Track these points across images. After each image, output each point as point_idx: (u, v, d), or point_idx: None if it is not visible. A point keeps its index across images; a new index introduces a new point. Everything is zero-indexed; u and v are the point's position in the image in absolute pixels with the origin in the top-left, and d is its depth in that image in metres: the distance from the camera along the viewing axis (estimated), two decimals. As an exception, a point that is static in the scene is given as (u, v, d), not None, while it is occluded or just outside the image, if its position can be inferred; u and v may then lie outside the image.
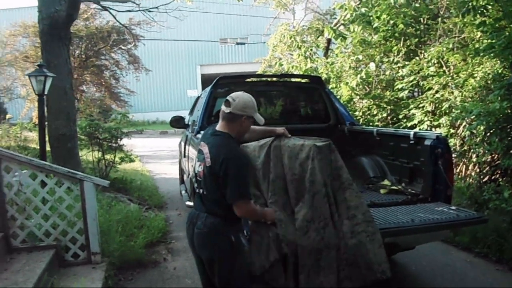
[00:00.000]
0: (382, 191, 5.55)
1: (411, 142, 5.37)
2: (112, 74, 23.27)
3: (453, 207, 4.73)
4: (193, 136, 6.85)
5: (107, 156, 10.51)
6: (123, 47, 21.48)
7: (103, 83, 22.83)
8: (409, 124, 10.11)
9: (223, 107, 3.57)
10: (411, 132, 5.46)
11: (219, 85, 7.43)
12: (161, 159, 17.36)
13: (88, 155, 10.89)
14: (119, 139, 10.51)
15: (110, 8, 11.87)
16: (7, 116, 17.84)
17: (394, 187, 5.56)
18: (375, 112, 11.22)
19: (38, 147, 10.02)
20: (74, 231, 5.72)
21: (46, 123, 7.97)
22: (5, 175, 5.55)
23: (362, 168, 6.34)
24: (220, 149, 3.42)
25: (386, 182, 5.80)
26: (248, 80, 8.15)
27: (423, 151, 5.19)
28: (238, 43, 34.50)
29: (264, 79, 8.44)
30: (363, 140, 6.73)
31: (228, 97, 3.57)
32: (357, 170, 6.29)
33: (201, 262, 3.65)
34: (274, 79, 8.57)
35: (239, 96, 3.57)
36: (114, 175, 10.99)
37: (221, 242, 3.43)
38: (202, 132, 6.15)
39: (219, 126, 3.62)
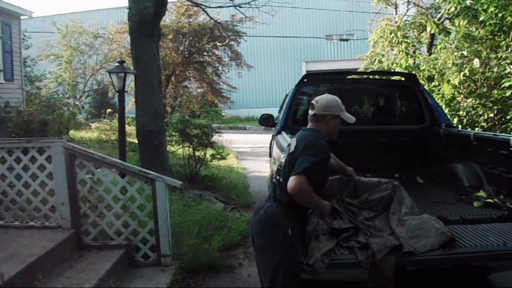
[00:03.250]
0: (475, 204, 4.94)
1: (511, 148, 4.78)
2: (214, 70, 23.54)
3: None
4: (275, 136, 6.59)
5: (198, 153, 10.43)
6: (219, 44, 21.55)
7: (205, 79, 23.13)
8: (516, 126, 9.30)
9: (309, 111, 3.82)
10: (511, 138, 4.85)
11: (305, 83, 7.15)
12: (259, 156, 17.09)
13: (180, 151, 10.88)
14: (210, 136, 10.39)
15: (203, 5, 11.80)
16: (107, 111, 18.41)
17: (490, 200, 4.92)
18: (480, 112, 10.44)
19: (135, 141, 10.21)
20: (145, 232, 5.62)
21: (131, 119, 7.97)
22: (79, 172, 5.55)
23: (456, 176, 5.79)
24: (306, 138, 3.63)
25: (481, 193, 5.19)
26: (337, 77, 7.80)
27: None
28: (341, 40, 33.99)
29: (353, 76, 8.02)
30: (459, 144, 6.15)
31: (312, 101, 3.83)
32: (450, 178, 5.86)
33: None
34: (365, 76, 8.15)
35: (322, 98, 3.81)
36: (205, 172, 10.91)
37: (276, 232, 3.49)
38: (283, 132, 5.89)
39: (309, 126, 3.83)
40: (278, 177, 3.68)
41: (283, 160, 3.70)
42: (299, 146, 3.55)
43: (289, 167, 3.53)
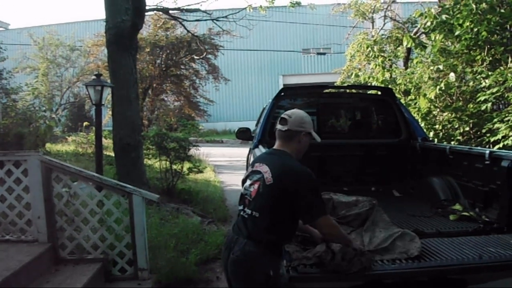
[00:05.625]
0: (451, 217, 5.00)
1: (487, 162, 4.85)
2: (191, 84, 23.56)
3: None
4: (252, 149, 6.61)
5: (175, 166, 10.41)
6: (196, 57, 21.53)
7: (183, 92, 23.14)
8: (492, 139, 9.40)
9: (279, 126, 3.52)
10: (487, 152, 4.93)
11: (283, 97, 7.18)
12: (236, 169, 17.04)
13: (157, 164, 10.85)
14: (187, 149, 10.38)
15: (180, 19, 11.84)
16: (84, 124, 18.29)
17: (465, 213, 4.99)
18: (456, 126, 10.57)
19: (112, 154, 10.15)
20: (122, 245, 5.61)
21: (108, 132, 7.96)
22: (55, 185, 5.52)
23: (432, 190, 5.84)
24: (285, 166, 3.31)
25: (457, 206, 5.25)
26: (314, 91, 7.85)
27: (500, 173, 4.65)
28: (319, 53, 34.24)
29: (330, 90, 8.09)
30: (435, 158, 6.23)
31: (283, 115, 3.53)
32: (427, 192, 5.91)
33: None
34: (342, 90, 8.22)
35: (295, 113, 3.52)
36: (182, 186, 10.89)
37: (257, 275, 3.18)
38: (260, 146, 5.90)
39: (276, 146, 3.54)
40: (250, 212, 3.29)
41: (252, 190, 3.32)
42: (282, 180, 3.21)
43: (268, 202, 3.22)
